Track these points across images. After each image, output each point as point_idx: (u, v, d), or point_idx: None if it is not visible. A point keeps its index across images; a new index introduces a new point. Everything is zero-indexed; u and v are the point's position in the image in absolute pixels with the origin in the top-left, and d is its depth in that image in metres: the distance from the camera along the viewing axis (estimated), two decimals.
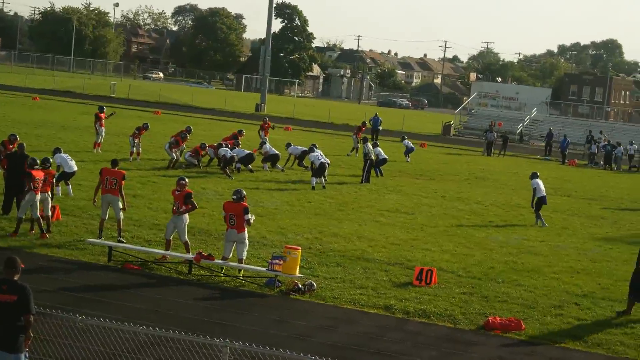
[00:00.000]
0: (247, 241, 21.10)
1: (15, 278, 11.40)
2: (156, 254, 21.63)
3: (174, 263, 21.33)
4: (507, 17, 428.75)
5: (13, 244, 21.94)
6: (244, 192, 21.43)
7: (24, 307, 11.26)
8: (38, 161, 23.81)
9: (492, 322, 18.45)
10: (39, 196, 22.93)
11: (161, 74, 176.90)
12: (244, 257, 20.98)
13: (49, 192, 23.52)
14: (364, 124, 56.53)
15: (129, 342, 14.19)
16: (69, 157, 29.87)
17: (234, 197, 21.07)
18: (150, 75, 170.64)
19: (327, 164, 37.69)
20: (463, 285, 21.84)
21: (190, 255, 21.17)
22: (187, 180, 22.38)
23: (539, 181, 32.81)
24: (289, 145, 43.71)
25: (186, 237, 21.87)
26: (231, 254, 21.04)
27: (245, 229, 20.97)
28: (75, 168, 29.65)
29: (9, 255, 11.78)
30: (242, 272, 20.84)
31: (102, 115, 42.92)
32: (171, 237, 21.87)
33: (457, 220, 32.19)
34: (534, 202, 32.64)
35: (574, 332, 18.70)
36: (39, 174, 23.05)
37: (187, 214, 21.94)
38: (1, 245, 21.65)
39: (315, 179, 36.71)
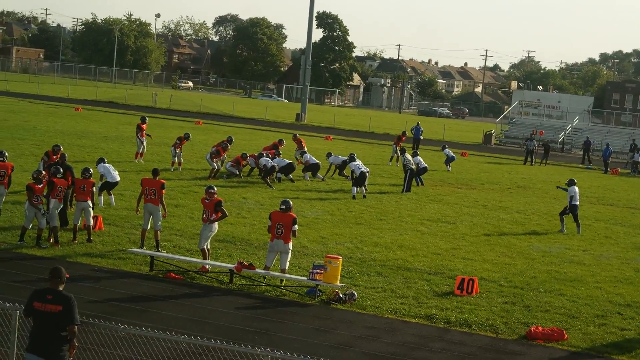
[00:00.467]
0: (290, 251, 21.12)
1: (60, 288, 11.50)
2: (197, 263, 21.71)
3: (216, 272, 21.41)
4: (548, 26, 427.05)
5: (56, 254, 22.13)
6: (291, 202, 21.43)
7: (68, 317, 11.33)
8: (61, 170, 24.40)
9: (534, 331, 18.34)
10: (61, 204, 23.64)
11: (190, 83, 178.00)
12: (287, 267, 21.00)
13: (90, 201, 23.75)
14: (404, 133, 56.18)
15: (171, 352, 14.26)
16: (112, 168, 30.03)
17: (283, 206, 21.02)
18: (180, 84, 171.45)
19: (367, 173, 37.64)
20: (505, 294, 21.74)
21: (230, 265, 21.24)
22: (215, 189, 22.37)
23: (577, 189, 32.68)
24: (329, 154, 43.74)
25: (204, 245, 21.88)
26: (272, 264, 21.08)
27: (291, 239, 21.00)
28: (118, 178, 29.80)
29: (55, 265, 11.89)
30: (283, 281, 20.88)
31: (144, 126, 43.14)
32: (206, 246, 21.91)
33: (499, 229, 32.04)
34: (567, 209, 32.45)
35: (617, 342, 18.54)
36: (61, 183, 23.46)
37: (216, 223, 22.01)
38: (45, 255, 21.86)
39: (355, 188, 36.68)
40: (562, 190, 34.44)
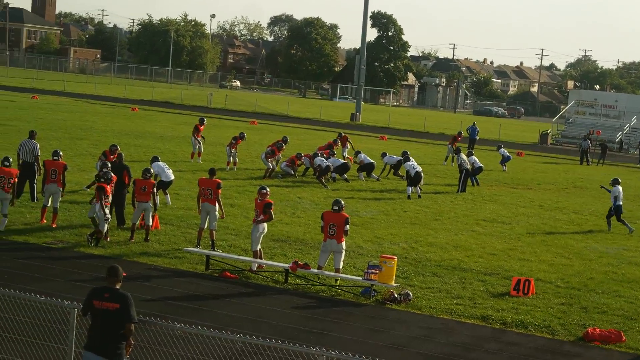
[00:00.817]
0: (344, 251, 21.13)
1: (117, 286, 11.60)
2: (251, 262, 21.72)
3: (271, 272, 21.46)
4: (605, 24, 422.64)
5: (114, 252, 22.33)
6: (343, 202, 21.44)
7: (125, 315, 11.43)
8: (108, 164, 25.07)
9: (591, 333, 18.16)
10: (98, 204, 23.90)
11: (238, 82, 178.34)
12: (341, 267, 21.01)
13: (150, 202, 23.92)
14: (459, 133, 55.97)
15: (226, 350, 14.32)
16: (167, 166, 30.01)
17: (335, 207, 21.05)
18: (227, 84, 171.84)
19: (421, 173, 37.47)
20: (561, 295, 21.55)
21: (285, 264, 21.29)
22: (268, 189, 22.36)
23: (621, 189, 32.35)
24: (384, 154, 43.66)
25: (257, 247, 21.90)
26: (326, 264, 21.09)
27: (344, 238, 21.02)
28: (172, 177, 29.79)
29: (112, 264, 12.00)
30: (338, 281, 20.88)
31: (202, 127, 43.34)
32: (259, 247, 21.93)
33: (555, 230, 31.76)
34: (612, 210, 32.13)
35: None
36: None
37: (265, 224, 22.02)
38: (103, 254, 22.07)
39: (410, 188, 36.58)
40: (606, 190, 34.01)
